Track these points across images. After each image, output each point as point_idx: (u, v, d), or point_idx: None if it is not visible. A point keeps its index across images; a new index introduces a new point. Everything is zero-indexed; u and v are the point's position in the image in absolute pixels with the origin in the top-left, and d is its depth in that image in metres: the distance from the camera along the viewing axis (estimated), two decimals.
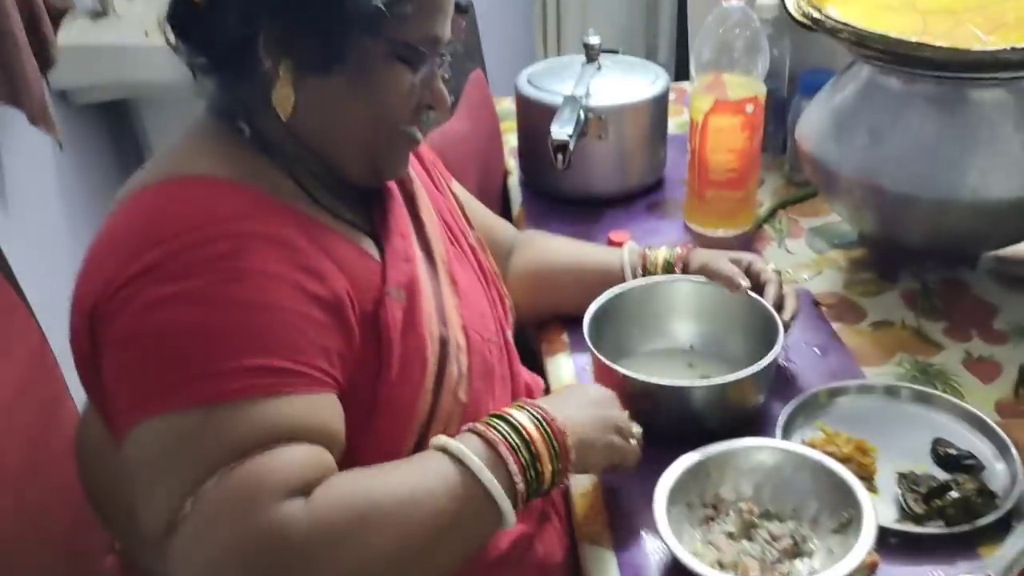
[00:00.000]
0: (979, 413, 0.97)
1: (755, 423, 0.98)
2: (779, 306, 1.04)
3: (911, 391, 1.01)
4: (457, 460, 0.73)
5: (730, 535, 0.84)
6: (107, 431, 0.80)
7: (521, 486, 0.74)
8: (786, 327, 1.02)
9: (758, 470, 0.87)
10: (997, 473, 0.91)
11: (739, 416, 0.97)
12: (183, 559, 0.64)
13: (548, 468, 0.77)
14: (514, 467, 0.74)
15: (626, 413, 0.89)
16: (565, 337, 1.17)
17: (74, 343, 0.77)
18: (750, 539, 0.84)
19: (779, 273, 1.09)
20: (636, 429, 0.89)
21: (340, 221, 0.83)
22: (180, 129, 0.84)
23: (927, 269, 1.24)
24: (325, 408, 0.72)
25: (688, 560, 0.79)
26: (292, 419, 0.69)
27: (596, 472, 0.90)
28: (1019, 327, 1.14)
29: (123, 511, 0.78)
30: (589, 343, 1.00)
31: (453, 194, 1.07)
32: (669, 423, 0.95)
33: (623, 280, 1.10)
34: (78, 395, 1.04)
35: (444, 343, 0.84)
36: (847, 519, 0.82)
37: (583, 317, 1.03)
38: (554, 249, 1.20)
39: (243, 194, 0.77)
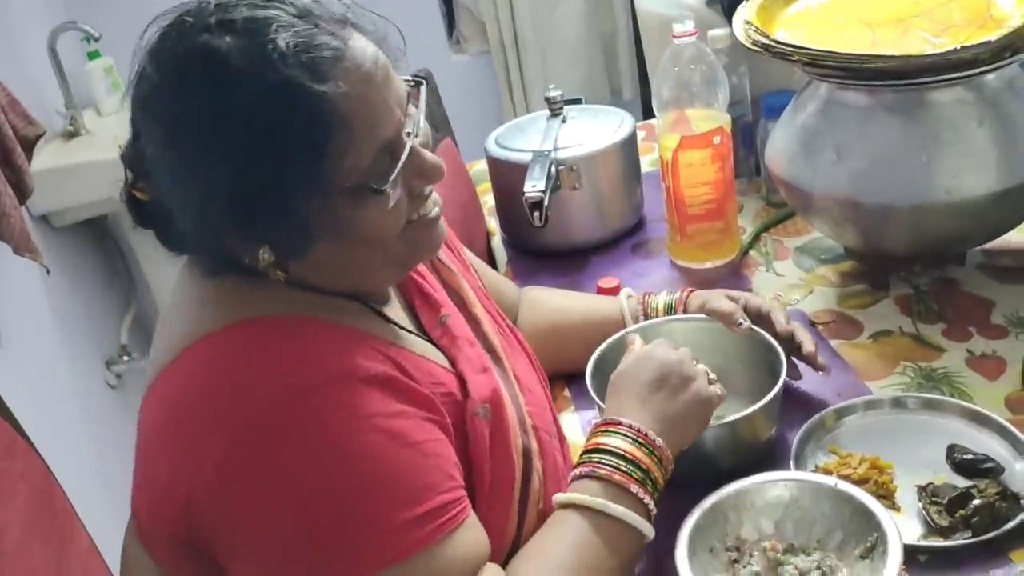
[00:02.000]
0: (990, 414, 0.95)
1: (767, 455, 0.97)
2: (790, 339, 1.04)
3: (918, 400, 1.00)
4: (590, 510, 0.79)
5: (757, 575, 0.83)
6: None
7: (648, 501, 0.81)
8: (815, 362, 1.03)
9: (776, 505, 0.86)
10: (1017, 473, 0.89)
11: (752, 451, 0.96)
12: None
13: (658, 474, 0.83)
14: (636, 489, 0.80)
15: (685, 360, 0.89)
16: (567, 393, 1.16)
17: (154, 533, 0.74)
18: None
19: (776, 300, 1.08)
20: (700, 367, 0.90)
21: (396, 329, 0.81)
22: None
23: (917, 273, 1.23)
24: (479, 521, 0.76)
25: None
26: (473, 543, 0.74)
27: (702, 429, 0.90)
28: (1017, 318, 1.13)
29: None
30: (593, 394, 0.99)
31: (471, 266, 1.04)
32: (683, 467, 0.93)
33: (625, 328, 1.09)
34: (92, 529, 1.03)
35: (528, 454, 0.84)
36: (873, 542, 0.81)
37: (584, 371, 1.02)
38: (556, 306, 1.18)
39: (311, 329, 0.73)
